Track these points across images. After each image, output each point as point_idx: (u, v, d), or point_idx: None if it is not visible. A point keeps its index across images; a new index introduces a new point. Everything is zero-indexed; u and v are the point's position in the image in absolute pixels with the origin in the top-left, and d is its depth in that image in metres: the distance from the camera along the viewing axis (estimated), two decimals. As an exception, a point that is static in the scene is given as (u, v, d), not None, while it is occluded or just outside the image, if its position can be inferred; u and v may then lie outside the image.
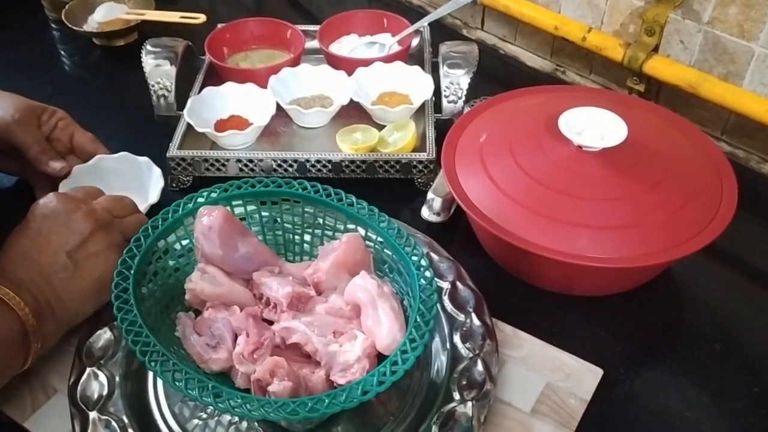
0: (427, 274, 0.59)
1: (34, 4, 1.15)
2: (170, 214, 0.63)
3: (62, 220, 0.62)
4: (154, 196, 0.78)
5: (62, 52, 1.11)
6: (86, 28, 1.08)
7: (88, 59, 1.08)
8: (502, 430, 0.61)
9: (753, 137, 0.89)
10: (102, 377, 0.61)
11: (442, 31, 1.12)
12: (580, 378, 0.64)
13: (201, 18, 1.03)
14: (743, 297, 0.73)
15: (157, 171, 0.81)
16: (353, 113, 0.88)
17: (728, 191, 0.69)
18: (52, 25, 1.14)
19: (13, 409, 0.62)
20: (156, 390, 0.62)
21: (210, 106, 0.87)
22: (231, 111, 0.87)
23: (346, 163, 0.81)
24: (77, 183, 0.77)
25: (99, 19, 1.08)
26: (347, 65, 0.90)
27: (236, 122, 0.86)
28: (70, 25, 1.06)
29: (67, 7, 1.08)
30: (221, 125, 0.85)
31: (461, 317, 0.66)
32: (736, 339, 0.68)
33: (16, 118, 0.76)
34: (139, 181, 0.81)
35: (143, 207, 0.75)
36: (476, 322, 0.65)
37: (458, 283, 0.68)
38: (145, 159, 0.82)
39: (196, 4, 1.18)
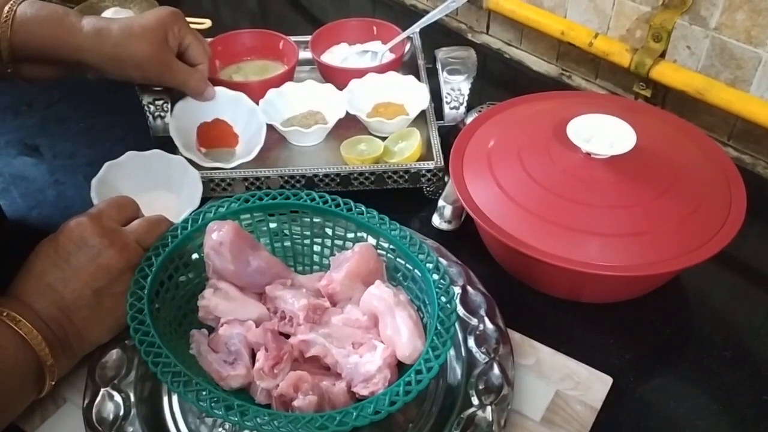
0: (444, 280, 0.58)
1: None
2: (179, 231, 0.62)
3: (93, 254, 0.59)
4: (195, 200, 0.75)
5: (67, 57, 1.10)
6: (91, 33, 1.08)
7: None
8: (513, 438, 0.60)
9: (760, 143, 0.88)
10: (117, 397, 0.60)
11: (447, 35, 1.12)
12: (590, 386, 0.64)
13: (207, 23, 1.02)
14: (753, 303, 0.73)
15: (193, 173, 0.77)
16: (348, 125, 0.85)
17: (737, 198, 0.69)
18: (57, 30, 1.14)
19: (22, 418, 0.61)
20: (171, 407, 0.61)
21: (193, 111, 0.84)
22: (215, 114, 0.84)
23: (355, 175, 0.80)
24: (107, 179, 0.75)
25: (104, 24, 1.07)
26: (342, 75, 0.88)
27: (221, 127, 0.83)
28: (74, 31, 1.05)
29: (71, 12, 1.08)
30: (205, 128, 0.83)
31: (474, 321, 0.65)
32: (746, 346, 0.68)
33: (150, 67, 0.76)
34: (169, 179, 0.78)
35: (185, 212, 0.72)
36: (489, 325, 0.65)
37: (468, 288, 0.68)
38: (178, 158, 0.78)
39: (200, 8, 1.18)
